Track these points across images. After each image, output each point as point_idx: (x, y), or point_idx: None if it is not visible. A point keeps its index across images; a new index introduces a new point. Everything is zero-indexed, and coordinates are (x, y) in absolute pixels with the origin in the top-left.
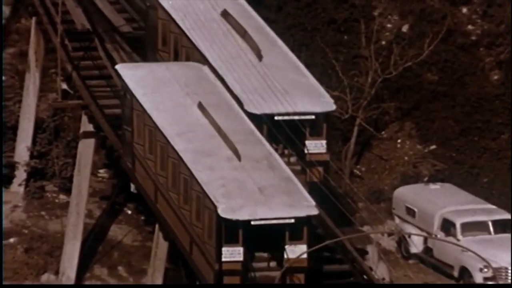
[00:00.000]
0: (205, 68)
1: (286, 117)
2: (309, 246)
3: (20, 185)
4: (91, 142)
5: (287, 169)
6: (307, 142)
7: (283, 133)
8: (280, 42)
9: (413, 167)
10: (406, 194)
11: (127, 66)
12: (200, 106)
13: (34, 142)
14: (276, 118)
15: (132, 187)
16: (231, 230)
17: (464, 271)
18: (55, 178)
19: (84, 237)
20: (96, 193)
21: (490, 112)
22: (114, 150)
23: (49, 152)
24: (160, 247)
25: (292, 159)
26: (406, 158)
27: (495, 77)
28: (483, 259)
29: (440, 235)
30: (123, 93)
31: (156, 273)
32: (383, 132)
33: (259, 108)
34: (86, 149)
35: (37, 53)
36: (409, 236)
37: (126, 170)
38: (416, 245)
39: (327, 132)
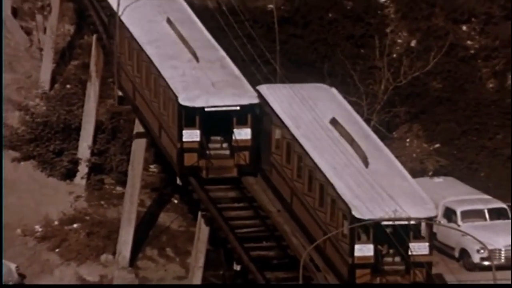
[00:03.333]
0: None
1: (391, 222)
2: (253, 131)
3: (82, 178)
4: (143, 142)
5: (236, 69)
6: (410, 245)
7: (388, 235)
8: (383, 147)
9: (420, 163)
10: None
11: None
12: (168, 21)
13: (94, 141)
14: (382, 223)
15: (178, 180)
16: (190, 116)
17: (464, 252)
18: (112, 172)
19: (137, 223)
20: (147, 185)
21: (487, 116)
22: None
23: (107, 150)
24: (202, 231)
25: (397, 259)
26: (414, 155)
27: (491, 85)
28: (480, 242)
29: (443, 221)
30: (110, 14)
31: (198, 254)
32: (394, 133)
33: (367, 214)
34: (139, 147)
35: (97, 65)
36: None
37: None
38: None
39: (429, 236)
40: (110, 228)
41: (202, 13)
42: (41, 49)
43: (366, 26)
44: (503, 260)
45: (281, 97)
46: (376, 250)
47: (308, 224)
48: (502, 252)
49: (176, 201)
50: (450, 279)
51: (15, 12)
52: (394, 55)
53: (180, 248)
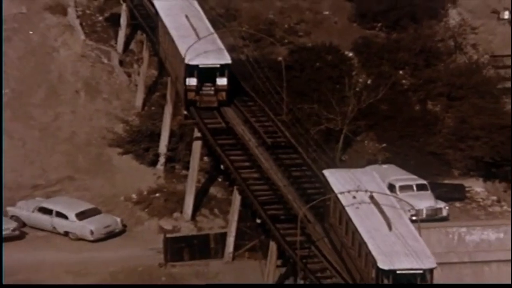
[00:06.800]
0: (196, 4)
1: (405, 272)
2: (228, 80)
3: (161, 165)
4: (199, 143)
5: (221, 44)
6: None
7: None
8: (404, 214)
9: (373, 155)
10: None
11: (163, 2)
12: (186, 16)
13: (169, 142)
14: (398, 272)
15: (222, 166)
16: (191, 70)
17: None
18: (180, 161)
19: (196, 193)
20: (202, 169)
21: (415, 127)
22: (212, 147)
23: (177, 147)
24: (236, 198)
25: None
26: (370, 151)
27: (417, 108)
28: (410, 204)
29: (388, 192)
30: (156, 13)
31: (234, 213)
32: (357, 137)
33: (388, 265)
34: (197, 146)
35: (171, 95)
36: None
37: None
38: None
39: (431, 281)
40: (178, 196)
41: (236, 62)
42: (136, 85)
43: (339, 71)
44: (424, 216)
45: (338, 178)
46: None
47: (351, 267)
48: (424, 211)
49: (220, 180)
50: None
51: (121, 62)
52: (357, 89)
53: (223, 209)
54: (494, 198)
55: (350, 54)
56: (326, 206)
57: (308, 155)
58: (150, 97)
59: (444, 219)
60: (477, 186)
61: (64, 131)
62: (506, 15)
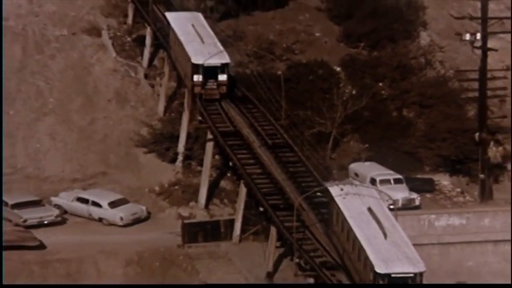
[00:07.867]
0: (200, 16)
1: (398, 275)
2: (228, 76)
3: (179, 162)
4: (211, 143)
5: (221, 47)
6: None
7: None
8: (397, 224)
9: (358, 154)
10: (354, 166)
11: (174, 14)
12: (192, 25)
13: (186, 143)
14: (392, 275)
15: (230, 163)
16: (197, 68)
17: None
18: (195, 159)
19: (209, 186)
20: (213, 166)
21: (392, 130)
22: (222, 147)
23: (193, 147)
24: (242, 190)
25: None
26: (354, 150)
27: (395, 114)
28: (388, 195)
29: (369, 185)
30: (167, 23)
31: (241, 202)
32: (344, 139)
33: (383, 269)
34: (209, 146)
35: (188, 103)
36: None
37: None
38: None
39: (421, 282)
40: (194, 188)
41: (242, 75)
42: (158, 95)
43: (329, 83)
44: (400, 205)
45: (341, 193)
46: None
47: (351, 270)
48: (400, 201)
49: (229, 174)
50: None
51: (146, 76)
52: (344, 98)
53: (231, 199)
54: (459, 190)
55: (338, 69)
56: (330, 215)
57: (303, 154)
58: (170, 105)
59: (417, 207)
60: (444, 180)
61: (98, 134)
62: (468, 36)
